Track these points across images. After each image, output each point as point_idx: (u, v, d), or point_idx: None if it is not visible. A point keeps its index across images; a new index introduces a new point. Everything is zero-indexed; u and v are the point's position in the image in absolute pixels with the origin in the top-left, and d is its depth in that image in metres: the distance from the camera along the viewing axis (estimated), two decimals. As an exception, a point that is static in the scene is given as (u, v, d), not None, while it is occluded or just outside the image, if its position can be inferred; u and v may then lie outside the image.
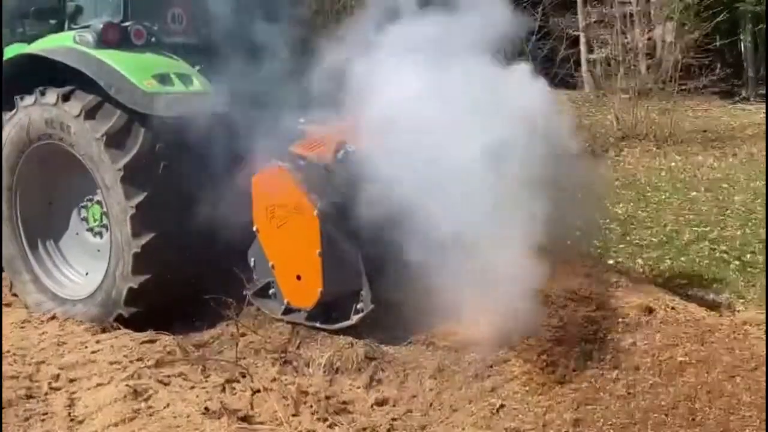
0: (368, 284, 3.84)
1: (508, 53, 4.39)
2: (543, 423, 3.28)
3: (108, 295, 4.33)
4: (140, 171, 4.12)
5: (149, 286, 4.18)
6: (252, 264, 4.22)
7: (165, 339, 4.02)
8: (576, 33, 15.50)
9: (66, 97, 4.31)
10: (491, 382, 3.51)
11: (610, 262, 5.42)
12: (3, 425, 3.04)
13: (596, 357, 3.57)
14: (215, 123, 4.20)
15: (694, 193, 8.39)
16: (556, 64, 13.58)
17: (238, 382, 3.61)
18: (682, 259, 6.03)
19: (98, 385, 3.46)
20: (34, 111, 4.46)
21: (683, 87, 12.79)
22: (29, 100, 4.48)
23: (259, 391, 3.50)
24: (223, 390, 3.51)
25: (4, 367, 3.54)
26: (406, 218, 3.83)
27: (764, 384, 3.42)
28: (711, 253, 6.10)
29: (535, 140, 4.00)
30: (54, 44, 4.61)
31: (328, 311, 4.00)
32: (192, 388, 3.53)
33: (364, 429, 3.32)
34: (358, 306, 3.90)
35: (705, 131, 12.75)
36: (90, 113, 4.22)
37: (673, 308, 3.98)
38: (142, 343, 3.95)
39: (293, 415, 3.32)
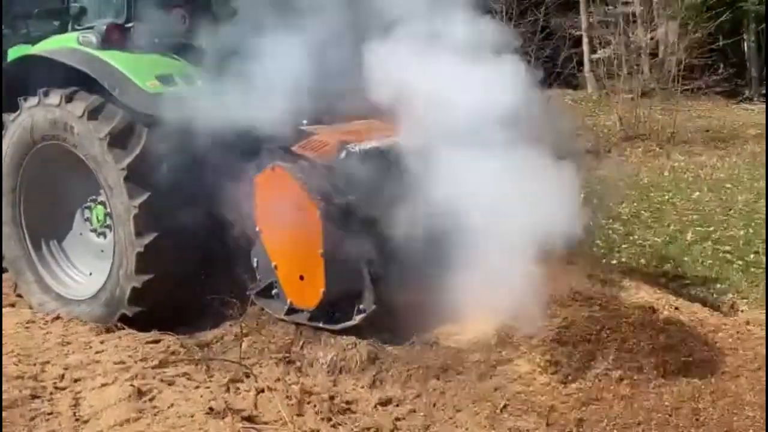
0: (371, 284, 3.84)
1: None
2: (547, 423, 3.28)
3: (112, 295, 4.34)
4: (143, 171, 4.13)
5: (152, 286, 4.18)
6: (255, 264, 4.23)
7: (169, 339, 4.03)
8: (579, 33, 15.50)
9: (69, 98, 4.32)
10: (495, 382, 3.51)
11: (614, 262, 5.41)
12: (9, 425, 3.05)
13: (600, 357, 3.57)
14: (218, 123, 4.23)
15: (698, 193, 8.38)
16: (559, 64, 13.58)
17: (242, 381, 3.61)
18: (686, 259, 6.03)
19: (103, 385, 3.46)
20: (37, 112, 4.47)
21: (686, 87, 12.77)
22: (33, 101, 4.49)
23: (263, 391, 3.50)
24: (227, 390, 3.51)
25: (10, 367, 3.55)
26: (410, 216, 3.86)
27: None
28: (714, 253, 6.10)
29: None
30: (57, 45, 4.62)
31: (331, 311, 4.01)
32: (196, 387, 3.53)
33: (368, 429, 3.33)
34: (361, 306, 3.91)
35: (708, 131, 12.74)
36: (93, 114, 4.23)
37: (676, 308, 3.99)
38: (146, 343, 3.95)
39: (297, 415, 3.33)
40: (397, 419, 3.40)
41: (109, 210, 4.45)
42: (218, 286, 4.34)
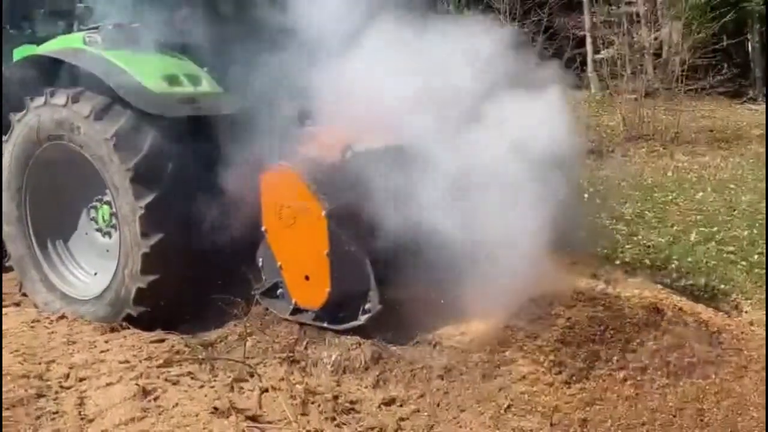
0: (376, 285, 3.84)
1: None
2: (551, 423, 3.29)
3: (117, 295, 4.35)
4: (149, 171, 4.13)
5: (158, 286, 4.19)
6: (260, 264, 4.23)
7: (173, 338, 4.03)
8: (582, 33, 15.49)
9: (76, 98, 4.32)
10: (499, 382, 3.52)
11: (617, 262, 5.40)
12: (14, 423, 3.06)
13: (604, 357, 3.58)
14: (223, 123, 4.24)
15: (701, 194, 8.36)
16: (563, 65, 13.55)
17: (246, 381, 3.62)
18: (689, 259, 6.01)
19: (108, 384, 3.47)
20: (44, 112, 4.48)
21: (690, 87, 12.76)
22: (39, 101, 4.50)
23: (267, 390, 3.51)
24: (232, 389, 3.52)
25: (15, 366, 3.56)
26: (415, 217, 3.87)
27: (772, 385, 3.43)
28: (718, 253, 6.08)
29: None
30: (63, 45, 4.64)
31: (336, 311, 4.01)
32: (200, 387, 3.54)
33: (372, 429, 3.34)
34: (366, 306, 3.91)
35: (712, 131, 12.71)
36: (99, 114, 4.23)
37: (680, 309, 3.99)
38: (151, 342, 3.96)
39: (301, 415, 3.33)
40: (401, 419, 3.41)
41: (114, 210, 4.45)
42: (222, 286, 4.37)
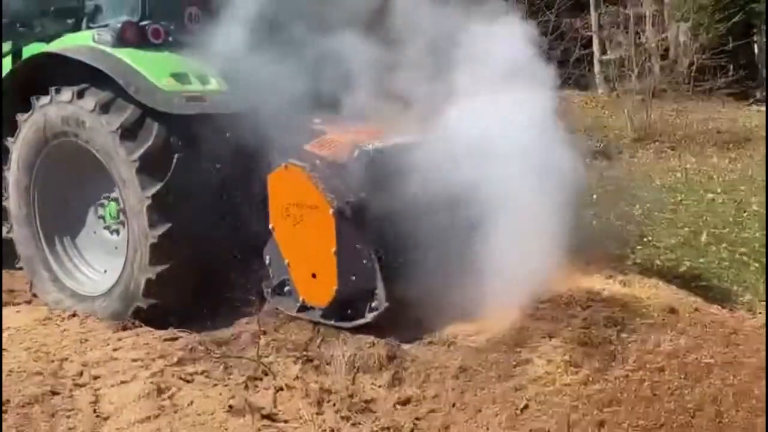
0: (383, 282, 3.84)
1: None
2: (568, 424, 3.26)
3: (126, 288, 4.35)
4: (155, 162, 4.15)
5: (167, 277, 4.19)
6: (267, 261, 4.24)
7: (186, 337, 4.02)
8: (589, 34, 15.46)
9: (80, 94, 4.36)
10: (514, 382, 3.48)
11: (628, 263, 5.38)
12: (30, 421, 3.05)
13: (620, 358, 3.54)
14: (231, 121, 4.24)
15: (711, 195, 8.34)
16: (570, 65, 13.53)
17: (261, 380, 3.61)
18: (701, 260, 5.99)
19: (122, 382, 3.46)
20: (50, 110, 4.50)
21: (698, 87, 12.73)
22: (45, 99, 4.52)
23: (281, 389, 3.50)
24: (246, 388, 3.51)
25: (29, 363, 3.56)
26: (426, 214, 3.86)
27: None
28: (730, 255, 6.06)
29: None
30: (73, 43, 4.64)
31: (343, 309, 4.01)
32: (215, 385, 3.53)
33: (388, 428, 3.32)
34: (373, 304, 3.91)
35: (720, 133, 12.68)
36: (104, 107, 4.26)
37: (696, 310, 3.96)
38: (164, 340, 3.95)
39: (317, 414, 3.32)
40: (417, 419, 3.38)
41: (121, 206, 4.47)
42: (233, 282, 4.36)
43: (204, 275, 4.27)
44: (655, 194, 8.38)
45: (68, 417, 3.15)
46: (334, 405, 3.42)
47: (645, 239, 6.55)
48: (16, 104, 4.72)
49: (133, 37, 4.47)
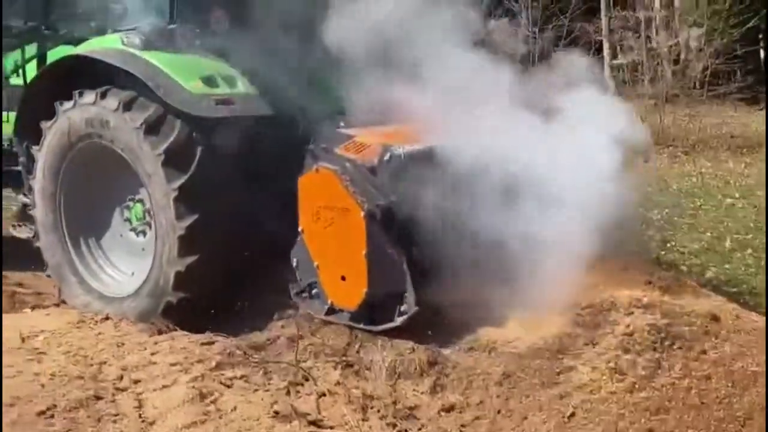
0: (412, 286, 3.82)
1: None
2: (616, 431, 3.23)
3: (156, 284, 4.33)
4: (180, 154, 4.16)
5: (196, 269, 4.17)
6: (295, 264, 4.22)
7: (223, 341, 3.98)
8: (599, 38, 15.45)
9: (103, 95, 4.36)
10: (560, 390, 3.46)
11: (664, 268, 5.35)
12: (77, 425, 3.02)
13: (665, 366, 3.51)
14: (259, 124, 4.22)
15: (729, 200, 8.32)
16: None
17: (302, 385, 3.57)
18: (726, 266, 5.97)
19: (164, 386, 3.42)
20: (74, 113, 4.50)
21: (711, 92, 12.73)
22: (68, 104, 4.52)
23: (324, 394, 3.46)
24: (288, 393, 3.47)
25: (69, 367, 3.53)
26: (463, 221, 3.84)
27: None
28: (756, 261, 6.04)
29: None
30: (101, 46, 4.62)
31: (372, 312, 3.99)
32: (255, 391, 3.49)
33: (434, 435, 3.29)
34: (402, 308, 3.88)
35: (733, 137, 12.67)
36: (127, 105, 4.27)
37: (737, 317, 3.93)
38: (201, 344, 3.91)
39: (362, 420, 3.29)
40: (463, 426, 3.35)
41: (147, 205, 4.46)
42: (266, 285, 4.34)
43: (233, 272, 4.26)
44: (673, 199, 8.37)
45: (114, 422, 3.12)
46: (378, 411, 3.38)
47: (668, 245, 6.53)
48: (40, 110, 4.70)
49: (161, 40, 4.46)
